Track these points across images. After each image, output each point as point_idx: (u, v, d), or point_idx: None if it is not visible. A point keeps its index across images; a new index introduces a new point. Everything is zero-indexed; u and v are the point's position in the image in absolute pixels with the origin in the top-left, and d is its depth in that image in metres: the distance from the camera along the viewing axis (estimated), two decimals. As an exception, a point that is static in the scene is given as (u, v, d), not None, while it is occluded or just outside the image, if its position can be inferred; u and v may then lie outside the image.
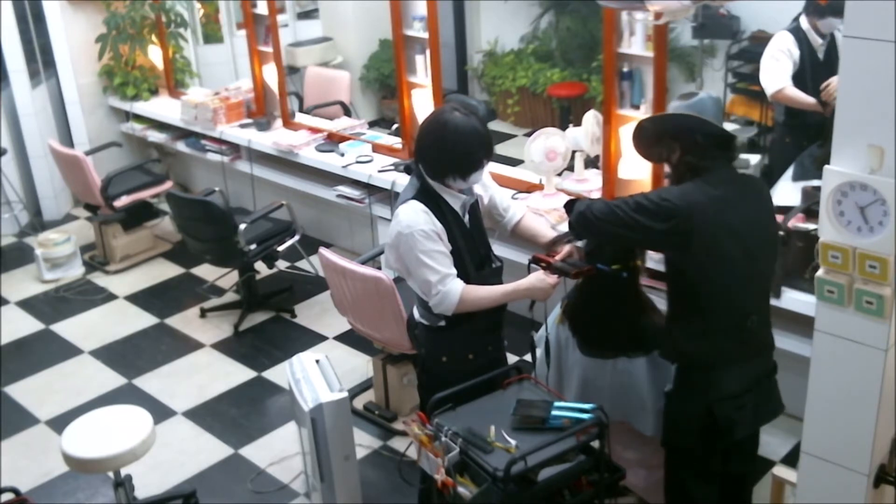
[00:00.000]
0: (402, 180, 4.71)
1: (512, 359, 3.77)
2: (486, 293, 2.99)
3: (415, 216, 2.92)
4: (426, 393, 3.21)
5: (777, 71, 4.59)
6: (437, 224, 2.93)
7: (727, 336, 2.79)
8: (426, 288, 2.96)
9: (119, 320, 5.36)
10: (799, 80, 4.59)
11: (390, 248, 3.02)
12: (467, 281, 2.99)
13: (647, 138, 2.84)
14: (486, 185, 3.18)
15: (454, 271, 2.95)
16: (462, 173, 2.92)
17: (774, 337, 3.63)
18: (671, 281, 2.89)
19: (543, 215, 4.26)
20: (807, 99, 4.52)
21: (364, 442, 4.12)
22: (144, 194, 5.96)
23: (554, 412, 2.82)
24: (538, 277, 3.00)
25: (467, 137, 2.88)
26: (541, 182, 4.51)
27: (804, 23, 4.61)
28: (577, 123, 4.50)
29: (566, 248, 3.06)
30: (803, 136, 4.58)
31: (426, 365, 3.21)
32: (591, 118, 4.38)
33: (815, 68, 4.59)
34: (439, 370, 3.13)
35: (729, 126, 5.91)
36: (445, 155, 2.90)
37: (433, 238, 2.91)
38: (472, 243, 3.05)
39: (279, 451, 4.15)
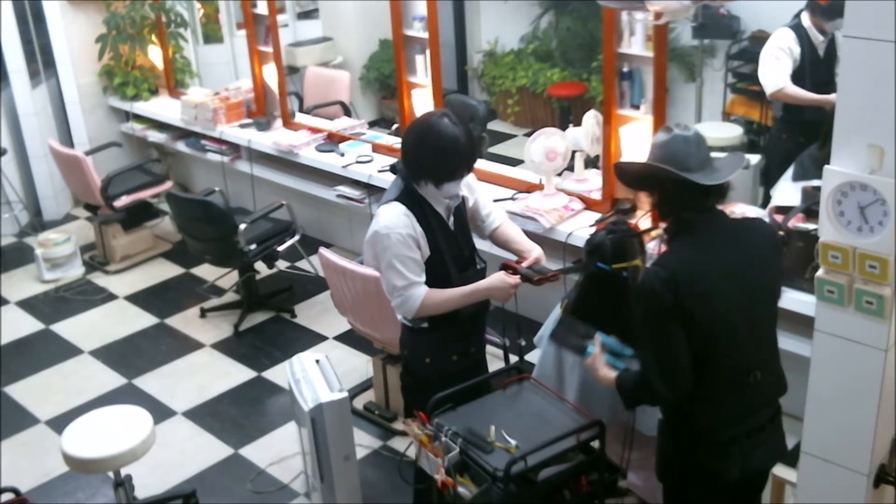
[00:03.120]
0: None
1: (511, 359, 3.76)
2: (447, 296, 2.98)
3: (395, 219, 2.91)
4: (410, 395, 3.22)
5: (777, 70, 4.59)
6: (416, 229, 2.92)
7: (726, 395, 2.57)
8: (390, 290, 2.98)
9: (119, 320, 5.36)
10: (798, 76, 4.59)
11: (368, 246, 3.02)
12: (450, 283, 2.99)
13: (627, 183, 2.71)
14: (473, 188, 3.17)
15: (422, 279, 2.95)
16: (435, 180, 2.90)
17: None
18: None
19: (543, 213, 4.26)
20: (806, 95, 4.53)
21: (364, 442, 4.12)
22: (144, 194, 5.96)
23: (590, 348, 2.75)
24: (499, 278, 3.00)
25: (447, 145, 2.85)
26: (541, 182, 4.51)
27: (805, 20, 4.61)
28: (577, 123, 4.49)
29: (533, 255, 3.08)
30: (800, 132, 4.58)
31: (410, 367, 3.20)
32: (591, 118, 4.38)
33: (814, 65, 4.59)
34: (423, 372, 3.12)
35: (726, 132, 5.88)
36: (422, 159, 2.89)
37: (408, 244, 2.90)
38: (455, 245, 3.04)
39: (279, 451, 4.15)
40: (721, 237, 2.54)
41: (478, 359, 3.21)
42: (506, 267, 3.05)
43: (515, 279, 2.99)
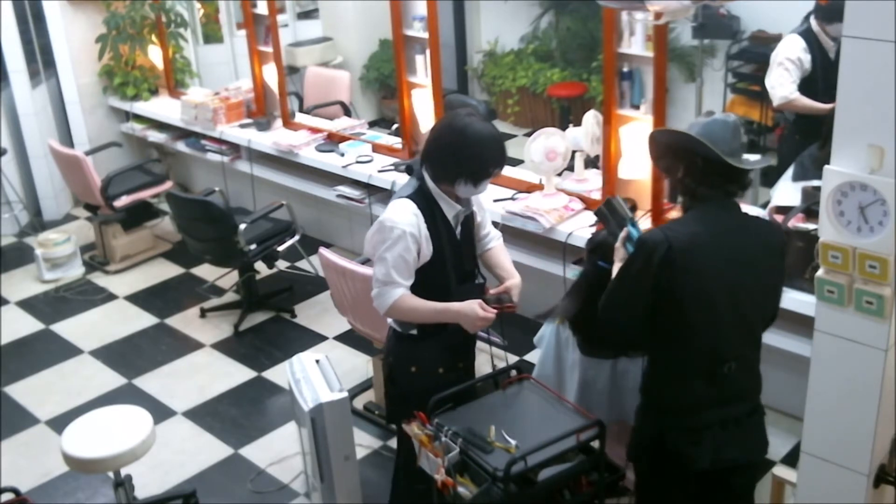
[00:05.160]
0: (402, 180, 4.71)
1: (511, 359, 3.76)
2: (419, 305, 2.94)
3: (403, 215, 2.90)
4: (392, 403, 3.19)
5: (784, 81, 4.58)
6: (422, 229, 2.91)
7: (698, 380, 2.61)
8: (374, 280, 2.96)
9: (119, 320, 5.36)
10: (811, 82, 4.57)
11: (370, 235, 2.99)
12: (448, 291, 2.97)
13: (655, 150, 2.73)
14: (482, 205, 3.18)
15: (407, 283, 2.93)
16: (474, 179, 2.89)
17: (774, 338, 3.64)
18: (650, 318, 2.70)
19: (543, 213, 4.26)
20: (814, 105, 4.52)
21: (364, 442, 4.12)
22: (144, 194, 5.96)
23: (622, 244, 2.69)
24: (471, 307, 2.91)
25: (488, 144, 2.87)
26: (541, 182, 4.52)
27: (814, 24, 4.59)
28: (577, 123, 4.49)
29: (505, 284, 3.08)
30: (815, 134, 4.57)
31: (394, 375, 3.15)
32: (591, 118, 4.38)
33: (826, 69, 4.56)
34: (408, 382, 3.08)
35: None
36: (461, 159, 2.86)
37: (408, 243, 2.88)
38: (458, 255, 3.03)
39: (279, 451, 4.15)
40: (730, 225, 2.60)
41: (466, 379, 3.11)
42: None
43: (488, 315, 2.90)
